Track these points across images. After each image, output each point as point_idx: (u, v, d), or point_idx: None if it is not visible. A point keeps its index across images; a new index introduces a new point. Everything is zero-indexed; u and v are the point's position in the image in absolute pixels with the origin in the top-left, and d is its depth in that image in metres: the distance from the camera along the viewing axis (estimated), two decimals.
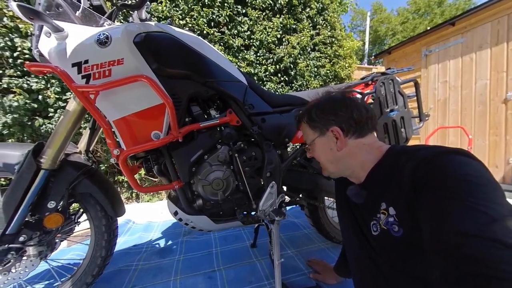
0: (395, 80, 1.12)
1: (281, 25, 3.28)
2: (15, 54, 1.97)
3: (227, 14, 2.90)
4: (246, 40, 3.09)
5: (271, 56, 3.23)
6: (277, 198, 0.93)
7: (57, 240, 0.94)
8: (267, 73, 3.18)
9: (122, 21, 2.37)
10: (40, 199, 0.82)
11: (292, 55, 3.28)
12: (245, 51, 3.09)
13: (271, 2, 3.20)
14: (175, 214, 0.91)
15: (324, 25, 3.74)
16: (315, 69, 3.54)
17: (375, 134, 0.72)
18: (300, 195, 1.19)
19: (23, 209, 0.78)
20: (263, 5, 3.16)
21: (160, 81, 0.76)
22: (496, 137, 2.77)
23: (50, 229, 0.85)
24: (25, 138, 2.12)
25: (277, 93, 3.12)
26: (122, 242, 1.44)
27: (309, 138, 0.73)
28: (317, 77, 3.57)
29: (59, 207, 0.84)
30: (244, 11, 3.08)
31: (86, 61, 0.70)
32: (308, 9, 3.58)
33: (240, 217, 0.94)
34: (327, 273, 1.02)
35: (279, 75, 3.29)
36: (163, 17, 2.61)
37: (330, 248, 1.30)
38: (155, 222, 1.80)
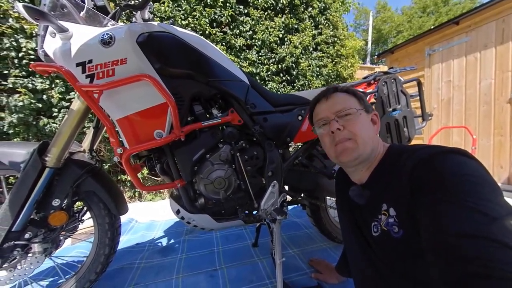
0: (398, 79, 1.11)
1: (283, 25, 3.28)
2: (20, 55, 2.00)
3: (229, 14, 2.91)
4: (248, 40, 3.10)
5: (273, 56, 3.23)
6: (279, 198, 0.94)
7: (61, 238, 0.96)
8: (269, 72, 3.17)
9: (125, 21, 2.39)
10: (45, 197, 0.83)
11: (294, 55, 3.27)
12: (247, 51, 3.10)
13: (273, 1, 3.20)
14: (177, 212, 0.92)
15: (326, 24, 3.73)
16: (317, 68, 3.53)
17: None
18: (302, 195, 1.19)
19: (28, 207, 0.80)
20: (265, 4, 3.16)
21: (163, 80, 0.77)
22: (501, 137, 2.74)
23: (54, 227, 0.87)
24: (30, 137, 2.15)
25: (279, 92, 3.12)
26: (125, 241, 1.46)
27: (353, 106, 0.64)
28: (319, 76, 3.56)
29: (63, 205, 0.86)
30: (246, 11, 3.09)
31: (90, 61, 0.71)
32: (310, 9, 3.57)
33: (241, 216, 0.94)
34: (329, 272, 1.01)
35: (281, 74, 3.28)
36: (165, 17, 2.63)
37: (331, 248, 1.30)
38: (157, 220, 1.81)
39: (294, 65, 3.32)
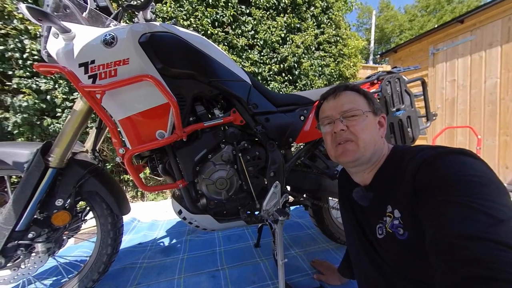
0: (402, 78, 1.10)
1: (285, 25, 3.27)
2: (24, 56, 2.01)
3: (231, 14, 2.90)
4: (250, 40, 3.09)
5: (275, 56, 3.22)
6: (281, 198, 0.93)
7: (64, 237, 0.96)
8: (271, 72, 3.17)
9: (127, 21, 2.40)
10: (48, 197, 0.84)
11: (296, 55, 3.26)
12: (249, 51, 3.09)
13: (275, 1, 3.19)
14: (179, 213, 0.92)
15: (329, 24, 3.71)
16: (320, 68, 3.51)
17: None
18: (304, 195, 1.18)
19: (32, 207, 0.80)
20: (267, 4, 3.15)
21: (165, 80, 0.77)
22: (507, 137, 2.70)
23: (57, 226, 0.87)
24: (34, 137, 2.17)
25: (281, 92, 3.11)
26: (128, 240, 1.46)
27: (360, 107, 0.63)
28: (322, 76, 3.54)
29: (66, 205, 0.86)
30: (248, 10, 3.08)
31: (93, 61, 0.72)
32: (312, 8, 3.55)
33: (243, 216, 0.94)
34: (331, 274, 1.01)
35: (283, 74, 3.27)
36: (167, 17, 2.63)
37: (334, 249, 1.29)
38: (159, 221, 1.82)
39: (296, 65, 3.30)
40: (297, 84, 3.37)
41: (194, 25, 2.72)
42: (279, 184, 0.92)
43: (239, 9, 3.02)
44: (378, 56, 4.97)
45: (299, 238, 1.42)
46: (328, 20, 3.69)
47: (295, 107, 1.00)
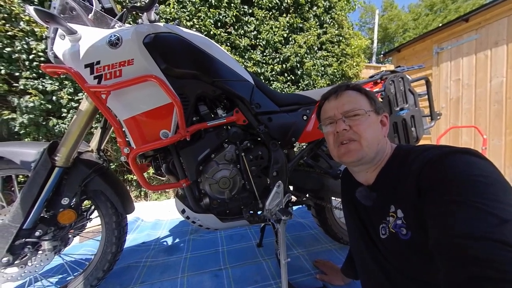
0: (405, 78, 1.09)
1: (288, 25, 3.27)
2: (30, 57, 2.05)
3: (234, 14, 2.91)
4: (253, 40, 3.10)
5: (277, 56, 3.22)
6: (284, 198, 0.93)
7: (70, 236, 0.98)
8: (273, 72, 3.17)
9: (131, 22, 2.43)
10: (55, 196, 0.85)
11: (299, 54, 3.25)
12: (252, 51, 3.10)
13: (277, 1, 3.19)
14: (183, 212, 0.93)
15: (332, 23, 3.69)
16: (322, 68, 3.50)
17: None
18: (307, 195, 1.18)
19: (38, 205, 0.82)
20: (269, 4, 3.15)
21: (168, 80, 0.78)
22: None
23: (63, 225, 0.89)
24: (40, 137, 2.21)
25: (283, 92, 3.11)
26: (131, 239, 1.48)
27: (362, 107, 0.62)
28: (324, 76, 3.53)
29: (72, 203, 0.88)
30: (250, 11, 3.09)
31: (98, 62, 0.73)
32: (315, 8, 3.54)
33: (246, 216, 0.94)
34: (334, 274, 1.00)
35: (286, 74, 3.27)
36: (171, 18, 2.66)
37: (337, 249, 1.28)
38: (163, 220, 1.83)
39: (298, 65, 3.30)
40: (299, 84, 3.37)
41: (197, 26, 2.74)
42: (282, 184, 0.93)
43: (242, 9, 3.03)
44: (382, 55, 4.93)
45: (301, 238, 1.42)
46: (330, 20, 3.68)
47: (298, 107, 1.00)
